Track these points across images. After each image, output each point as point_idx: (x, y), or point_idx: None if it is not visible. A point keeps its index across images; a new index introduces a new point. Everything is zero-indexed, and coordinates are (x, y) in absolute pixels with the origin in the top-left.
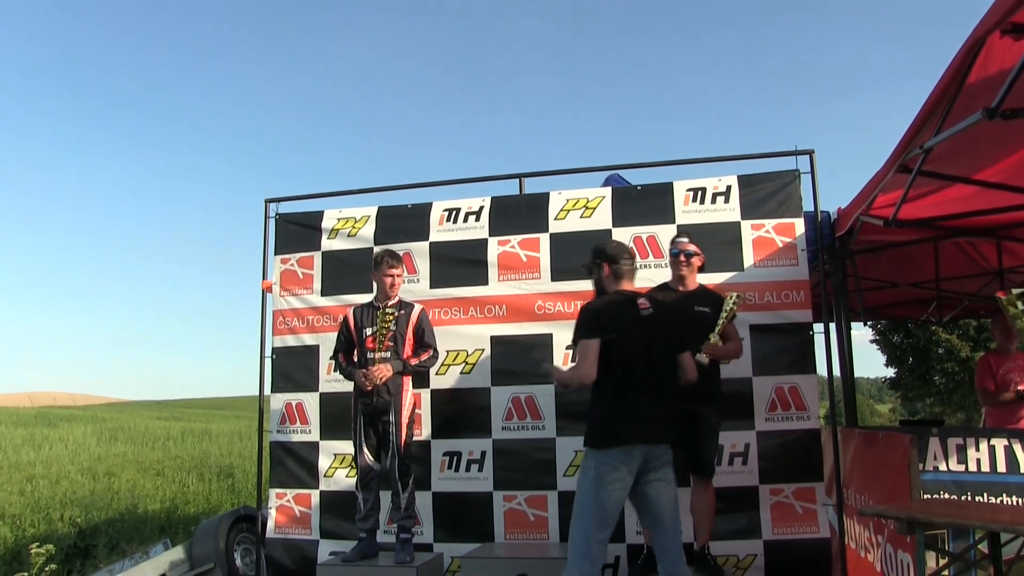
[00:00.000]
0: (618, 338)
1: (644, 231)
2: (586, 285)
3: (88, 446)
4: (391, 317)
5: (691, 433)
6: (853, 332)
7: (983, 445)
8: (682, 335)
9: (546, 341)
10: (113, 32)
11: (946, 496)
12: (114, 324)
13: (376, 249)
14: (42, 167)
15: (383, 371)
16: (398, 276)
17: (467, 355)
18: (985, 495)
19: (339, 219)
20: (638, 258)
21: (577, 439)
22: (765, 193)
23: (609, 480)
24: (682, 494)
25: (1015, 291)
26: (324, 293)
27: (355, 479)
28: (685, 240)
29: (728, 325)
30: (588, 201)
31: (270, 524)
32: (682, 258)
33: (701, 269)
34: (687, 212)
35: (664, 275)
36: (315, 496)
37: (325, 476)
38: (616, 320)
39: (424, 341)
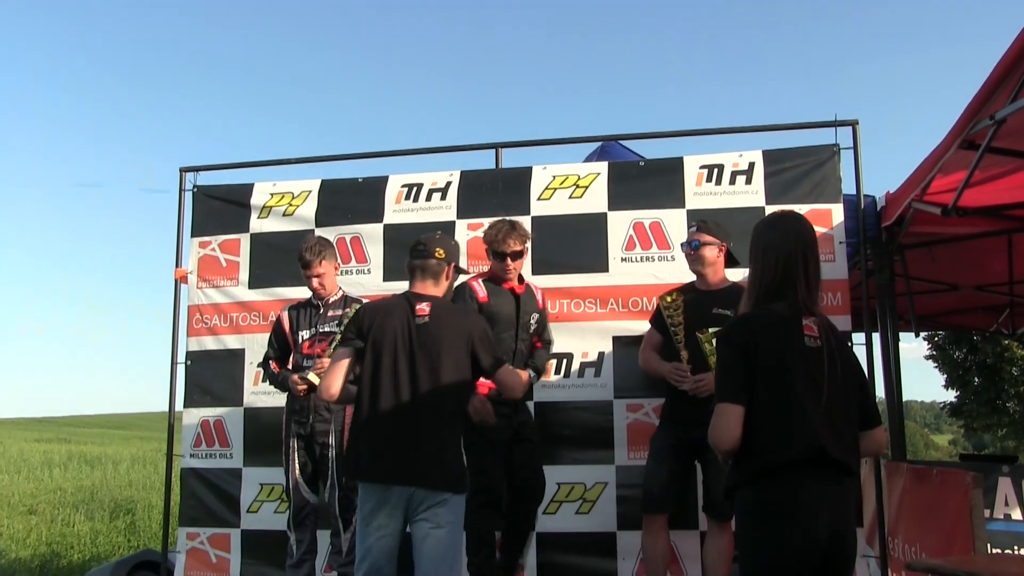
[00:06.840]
0: (374, 346)
1: (647, 216)
2: (577, 280)
3: None
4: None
5: (700, 466)
6: (902, 345)
7: None
8: (465, 350)
9: None
10: None
11: (1021, 551)
12: None
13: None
14: None
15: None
16: (319, 277)
17: None
18: None
19: (272, 194)
20: (638, 248)
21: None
22: (796, 173)
23: (370, 523)
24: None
25: (711, 330)
26: (252, 285)
27: (286, 515)
28: (693, 229)
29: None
30: (579, 178)
31: (178, 572)
32: (688, 250)
33: (733, 262)
34: (700, 194)
35: (671, 269)
36: (235, 536)
37: (248, 511)
38: (379, 326)
39: None
